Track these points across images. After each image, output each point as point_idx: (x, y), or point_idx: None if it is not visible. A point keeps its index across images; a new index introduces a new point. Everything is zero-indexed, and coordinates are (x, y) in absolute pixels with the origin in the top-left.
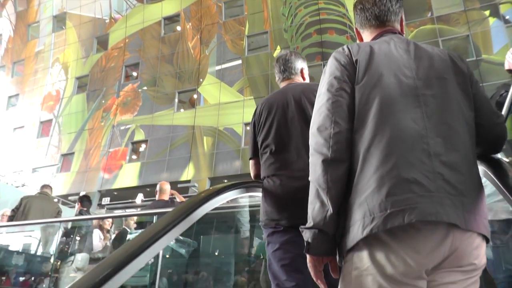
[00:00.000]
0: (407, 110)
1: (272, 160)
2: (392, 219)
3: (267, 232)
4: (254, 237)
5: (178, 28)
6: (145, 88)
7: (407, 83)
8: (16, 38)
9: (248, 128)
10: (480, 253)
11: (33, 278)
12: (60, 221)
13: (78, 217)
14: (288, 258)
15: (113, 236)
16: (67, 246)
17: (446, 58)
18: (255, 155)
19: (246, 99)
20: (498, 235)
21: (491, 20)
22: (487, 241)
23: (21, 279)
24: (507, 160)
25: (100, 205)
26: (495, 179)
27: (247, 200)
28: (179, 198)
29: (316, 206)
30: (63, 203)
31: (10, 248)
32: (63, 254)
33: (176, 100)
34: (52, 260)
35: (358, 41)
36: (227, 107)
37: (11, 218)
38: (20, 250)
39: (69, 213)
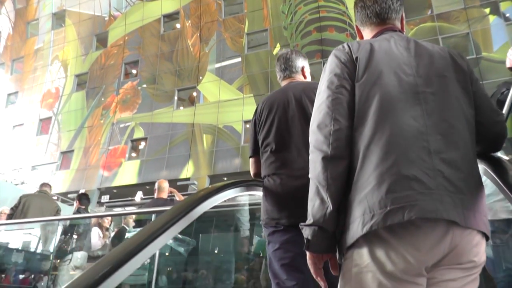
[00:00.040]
0: (407, 107)
1: (272, 159)
2: (392, 216)
3: (268, 231)
4: (253, 235)
5: (178, 25)
6: (144, 85)
7: (407, 81)
8: (15, 36)
9: (247, 126)
10: (480, 250)
11: (32, 276)
12: (59, 219)
13: (76, 216)
14: (288, 257)
15: (112, 234)
16: (64, 245)
17: (446, 55)
18: (255, 154)
19: (245, 97)
20: (498, 234)
21: (491, 18)
22: (487, 238)
23: (21, 276)
24: (507, 158)
25: (100, 203)
26: (495, 177)
27: (246, 198)
28: (178, 196)
29: (316, 203)
30: (63, 201)
31: (10, 246)
32: (62, 253)
33: (176, 97)
34: (51, 258)
35: (358, 39)
36: (227, 105)
37: (10, 216)
38: (20, 248)
39: (68, 211)
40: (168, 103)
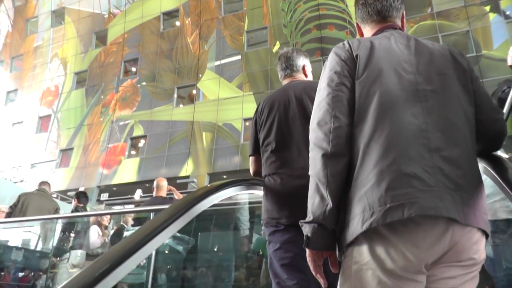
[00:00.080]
0: (407, 105)
1: (273, 158)
2: (391, 214)
3: (269, 231)
4: (253, 233)
5: (177, 23)
6: (144, 83)
7: (407, 78)
8: (14, 33)
9: (247, 123)
10: (479, 248)
11: (32, 274)
12: (57, 218)
13: (74, 214)
14: (289, 257)
15: (111, 232)
16: (62, 243)
17: (446, 53)
18: (255, 152)
19: (245, 95)
20: (498, 234)
21: (492, 16)
22: (487, 236)
23: (20, 274)
24: (507, 156)
25: (99, 201)
26: (495, 174)
27: (246, 197)
28: (176, 194)
29: (316, 200)
30: (62, 199)
31: (9, 244)
32: (60, 251)
33: (175, 95)
34: (49, 256)
35: (358, 36)
36: (226, 102)
37: (9, 215)
38: (20, 246)
39: (67, 209)
40: (167, 101)
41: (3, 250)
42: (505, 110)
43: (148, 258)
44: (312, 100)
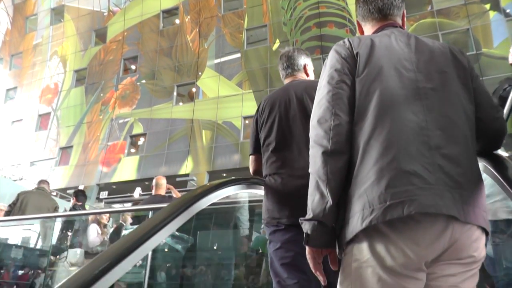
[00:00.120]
0: (407, 102)
1: (273, 158)
2: (391, 211)
3: (269, 230)
4: (252, 231)
5: (177, 21)
6: (143, 81)
7: (407, 76)
8: (13, 31)
9: (247, 121)
10: (479, 245)
11: (31, 272)
12: (55, 216)
13: (73, 213)
14: (289, 257)
15: (111, 231)
16: (60, 242)
17: (446, 51)
18: (255, 152)
19: (245, 93)
20: (498, 234)
21: (492, 14)
22: (487, 234)
23: (20, 272)
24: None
25: (98, 199)
26: (495, 173)
27: (246, 196)
28: (175, 193)
29: (316, 197)
30: (61, 197)
31: (8, 242)
32: (58, 249)
33: (175, 93)
34: (48, 255)
35: (358, 34)
36: (226, 100)
37: (7, 213)
38: (19, 244)
39: (67, 207)
40: (167, 99)
41: (2, 248)
42: (506, 108)
43: (145, 257)
44: (312, 100)
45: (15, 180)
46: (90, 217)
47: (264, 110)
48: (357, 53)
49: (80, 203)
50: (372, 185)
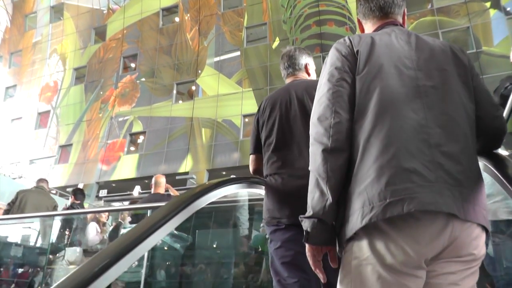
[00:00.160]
0: (407, 100)
1: (274, 158)
2: (391, 208)
3: (270, 229)
4: (252, 229)
5: (177, 19)
6: (143, 79)
7: (407, 74)
8: (13, 29)
9: (246, 120)
10: (479, 243)
11: (31, 270)
12: (53, 215)
13: (71, 211)
14: (290, 256)
15: (110, 229)
16: (58, 240)
17: (447, 50)
18: (256, 151)
19: (244, 91)
20: (498, 234)
21: (492, 12)
22: (487, 232)
23: (20, 270)
24: (507, 153)
25: (98, 197)
26: (495, 171)
27: (246, 194)
28: (172, 191)
29: (316, 195)
30: (61, 195)
31: (8, 240)
32: (57, 248)
33: (175, 91)
34: (46, 253)
35: (358, 32)
36: (226, 98)
37: (6, 212)
38: (19, 242)
39: (68, 204)
40: (167, 97)
41: (2, 246)
42: (507, 106)
43: (141, 256)
44: (313, 100)
45: (14, 178)
46: (89, 216)
47: (265, 110)
48: (357, 51)
49: (78, 202)
50: (372, 182)
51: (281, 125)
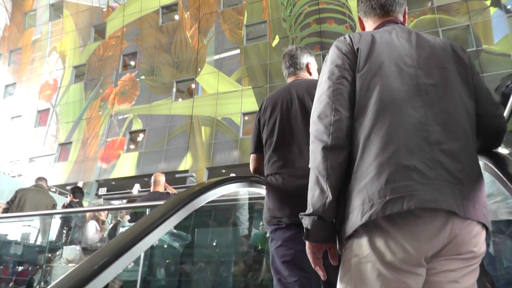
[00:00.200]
0: (407, 98)
1: (275, 158)
2: (391, 206)
3: (270, 229)
4: (251, 228)
5: (176, 17)
6: (143, 77)
7: (408, 72)
8: (12, 27)
9: (246, 118)
10: (479, 241)
11: (30, 268)
12: (52, 214)
13: (69, 210)
14: (290, 254)
15: (109, 227)
16: (57, 239)
17: (447, 48)
18: (256, 151)
19: (244, 89)
20: (498, 234)
21: (492, 10)
22: (487, 229)
23: (20, 268)
24: (507, 151)
25: (98, 195)
26: (496, 169)
27: (246, 193)
28: (170, 190)
29: (316, 193)
30: (61, 193)
31: (8, 239)
32: (55, 246)
33: (174, 89)
34: (45, 251)
35: (358, 30)
36: (225, 96)
37: (6, 210)
38: (19, 240)
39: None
40: (166, 95)
41: (1, 245)
42: (509, 105)
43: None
44: (313, 99)
45: (14, 176)
46: (88, 214)
47: (266, 110)
48: (357, 49)
49: (77, 200)
50: (372, 180)
51: (282, 125)
